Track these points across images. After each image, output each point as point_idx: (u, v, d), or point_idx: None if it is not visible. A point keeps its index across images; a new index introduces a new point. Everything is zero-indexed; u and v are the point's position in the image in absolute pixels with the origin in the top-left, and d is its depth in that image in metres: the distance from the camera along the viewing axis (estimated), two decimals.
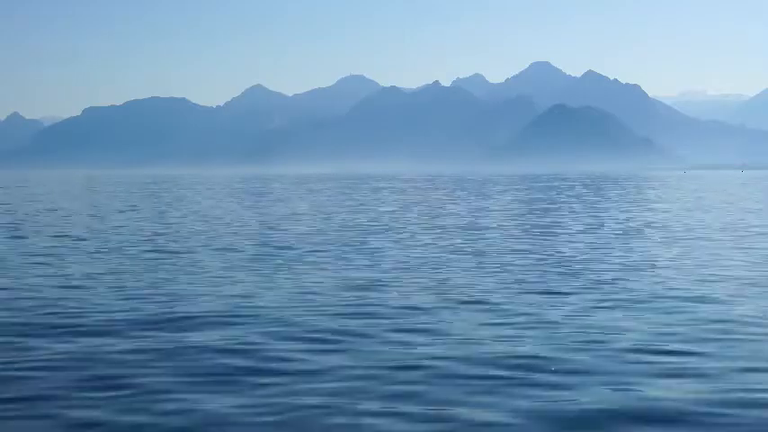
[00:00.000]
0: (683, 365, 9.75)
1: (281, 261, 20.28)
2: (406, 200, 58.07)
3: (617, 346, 10.72)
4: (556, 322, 12.28)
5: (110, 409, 8.15)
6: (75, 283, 16.54)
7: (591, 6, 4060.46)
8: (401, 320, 12.46)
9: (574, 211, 42.55)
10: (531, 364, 9.74)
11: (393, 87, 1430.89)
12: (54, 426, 7.79)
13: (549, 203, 52.32)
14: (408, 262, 19.98)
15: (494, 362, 9.88)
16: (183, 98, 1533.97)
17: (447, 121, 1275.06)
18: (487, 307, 13.68)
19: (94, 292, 15.22)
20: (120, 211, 44.51)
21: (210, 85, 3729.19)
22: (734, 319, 12.38)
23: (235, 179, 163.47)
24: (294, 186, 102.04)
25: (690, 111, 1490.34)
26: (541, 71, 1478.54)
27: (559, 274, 17.85)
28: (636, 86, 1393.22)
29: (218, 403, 8.38)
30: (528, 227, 32.23)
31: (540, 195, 67.10)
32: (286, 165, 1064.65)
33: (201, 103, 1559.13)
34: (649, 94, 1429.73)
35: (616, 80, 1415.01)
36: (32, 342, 11.11)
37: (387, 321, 12.39)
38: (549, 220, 36.58)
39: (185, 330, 11.76)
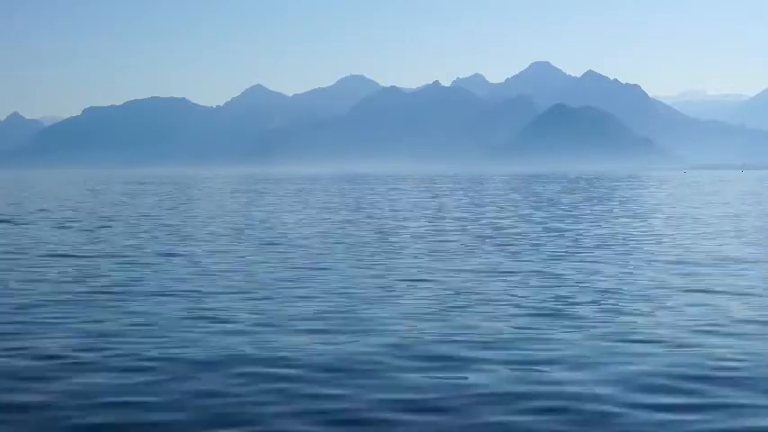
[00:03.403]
0: None
1: None
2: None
3: None
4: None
5: None
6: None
7: (591, 6, 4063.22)
8: None
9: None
10: None
11: (393, 87, 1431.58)
12: None
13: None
14: None
15: None
16: (183, 98, 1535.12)
17: (447, 121, 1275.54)
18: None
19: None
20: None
21: (210, 85, 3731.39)
22: None
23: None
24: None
25: (690, 111, 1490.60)
26: (541, 71, 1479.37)
27: None
28: (636, 86, 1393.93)
29: None
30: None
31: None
32: (286, 165, 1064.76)
33: (201, 103, 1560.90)
34: (649, 94, 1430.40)
35: (616, 80, 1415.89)
36: None
37: None
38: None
39: None
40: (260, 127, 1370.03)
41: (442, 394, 8.11)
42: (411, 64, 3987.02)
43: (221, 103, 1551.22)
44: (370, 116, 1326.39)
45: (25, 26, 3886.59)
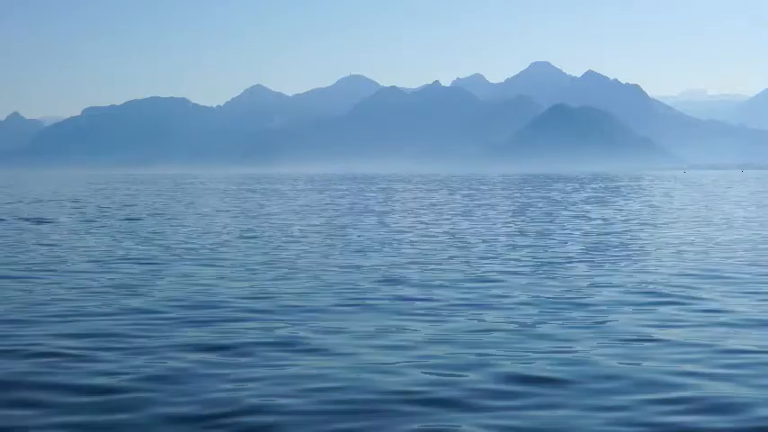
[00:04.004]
0: None
1: None
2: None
3: None
4: None
5: None
6: None
7: (591, 6, 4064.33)
8: None
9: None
10: None
11: (393, 87, 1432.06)
12: None
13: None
14: None
15: None
16: (183, 98, 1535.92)
17: (447, 121, 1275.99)
18: None
19: None
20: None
21: (210, 85, 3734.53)
22: None
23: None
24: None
25: (690, 111, 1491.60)
26: (541, 71, 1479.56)
27: None
28: (636, 86, 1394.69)
29: None
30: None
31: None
32: (286, 165, 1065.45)
33: (201, 103, 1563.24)
34: (649, 94, 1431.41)
35: (616, 80, 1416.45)
36: None
37: None
38: None
39: None
40: (260, 127, 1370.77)
41: None
42: (411, 64, 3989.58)
43: (221, 103, 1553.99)
44: (370, 116, 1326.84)
45: (25, 26, 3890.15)
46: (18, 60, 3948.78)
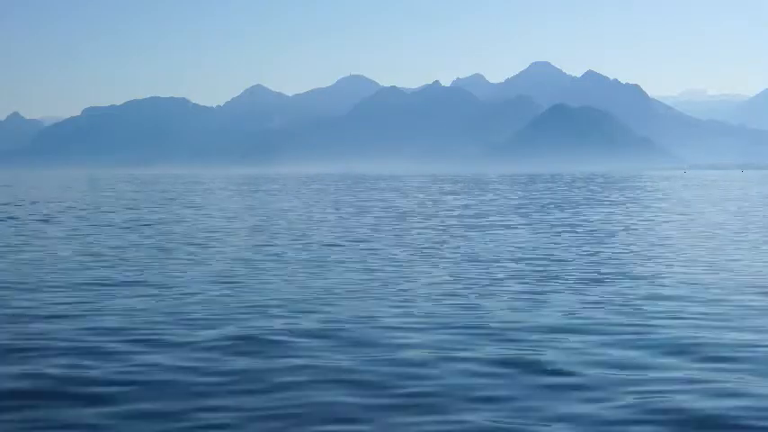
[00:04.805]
0: None
1: None
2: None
3: None
4: None
5: None
6: None
7: (591, 6, 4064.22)
8: None
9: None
10: None
11: (393, 87, 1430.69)
12: None
13: None
14: None
15: None
16: (183, 98, 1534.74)
17: (447, 121, 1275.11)
18: None
19: None
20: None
21: (210, 85, 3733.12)
22: None
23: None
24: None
25: (690, 111, 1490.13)
26: (541, 71, 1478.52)
27: None
28: (636, 86, 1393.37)
29: None
30: None
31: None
32: (286, 164, 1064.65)
33: (201, 103, 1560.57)
34: (649, 94, 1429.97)
35: (616, 80, 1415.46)
36: None
37: None
38: None
39: None
40: (260, 127, 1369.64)
41: None
42: (411, 64, 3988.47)
43: (221, 103, 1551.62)
44: (370, 116, 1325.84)
45: (25, 26, 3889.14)
46: (18, 60, 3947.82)
